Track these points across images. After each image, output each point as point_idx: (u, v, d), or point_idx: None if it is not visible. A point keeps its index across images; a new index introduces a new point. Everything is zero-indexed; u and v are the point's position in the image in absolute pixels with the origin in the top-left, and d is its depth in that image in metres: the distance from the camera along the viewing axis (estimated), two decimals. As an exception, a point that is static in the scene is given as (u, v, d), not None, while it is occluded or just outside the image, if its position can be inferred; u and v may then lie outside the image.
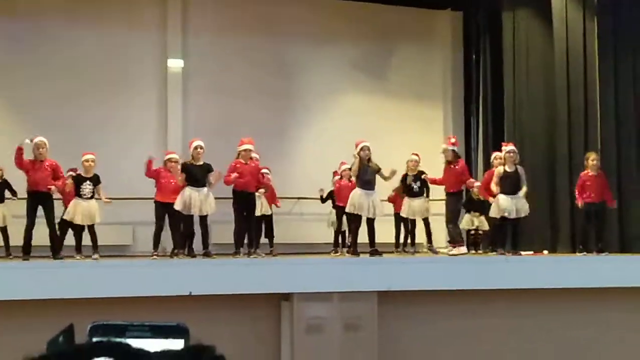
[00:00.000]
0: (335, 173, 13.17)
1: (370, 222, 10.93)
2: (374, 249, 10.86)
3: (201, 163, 10.69)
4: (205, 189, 10.59)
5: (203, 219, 10.75)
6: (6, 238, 11.85)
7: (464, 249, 11.54)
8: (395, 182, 12.43)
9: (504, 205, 11.07)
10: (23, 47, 14.87)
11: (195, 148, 10.74)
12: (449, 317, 9.56)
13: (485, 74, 16.35)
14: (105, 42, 15.37)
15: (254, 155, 11.13)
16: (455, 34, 17.45)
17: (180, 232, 10.88)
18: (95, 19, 15.30)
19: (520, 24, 14.83)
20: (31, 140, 10.30)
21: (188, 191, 10.48)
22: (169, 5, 15.86)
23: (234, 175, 10.59)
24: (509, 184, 11.17)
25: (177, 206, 10.53)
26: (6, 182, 11.78)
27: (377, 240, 11.00)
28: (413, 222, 12.83)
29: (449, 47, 17.42)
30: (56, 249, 10.27)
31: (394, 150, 13.85)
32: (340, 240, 13.15)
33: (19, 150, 10.09)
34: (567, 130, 13.07)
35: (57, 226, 10.54)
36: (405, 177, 12.47)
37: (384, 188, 12.04)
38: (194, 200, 10.43)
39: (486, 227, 13.27)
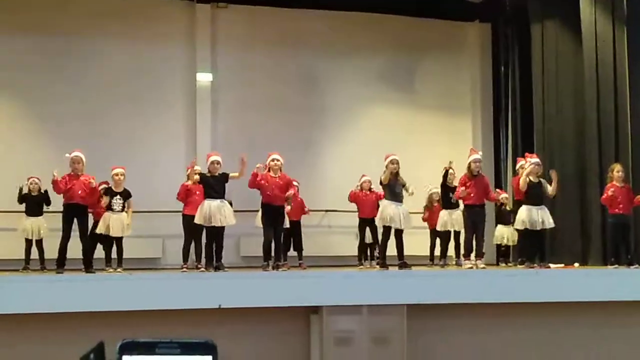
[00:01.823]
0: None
1: (399, 234, 10.92)
2: (403, 262, 10.84)
3: (217, 175, 10.69)
4: (223, 200, 10.58)
5: (221, 230, 10.70)
6: (41, 251, 12.00)
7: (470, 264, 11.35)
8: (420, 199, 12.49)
9: (527, 216, 11.02)
10: (51, 63, 15.06)
11: (212, 163, 10.73)
12: (479, 330, 9.50)
13: (514, 85, 16.28)
14: (134, 56, 15.53)
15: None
16: (484, 45, 17.41)
17: (207, 245, 10.86)
18: (125, 35, 15.46)
19: (549, 35, 14.74)
20: (70, 154, 10.47)
21: (206, 203, 10.49)
22: (197, 20, 15.99)
23: (258, 168, 10.58)
24: (534, 195, 11.11)
25: (198, 220, 10.53)
26: (45, 194, 11.86)
27: (405, 252, 11.00)
28: (448, 234, 12.73)
29: (477, 58, 17.37)
30: (89, 262, 10.37)
31: (422, 162, 13.84)
32: (367, 252, 13.11)
33: (54, 183, 10.29)
34: (597, 140, 12.95)
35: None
36: (446, 187, 12.37)
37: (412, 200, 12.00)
38: (212, 211, 10.42)
39: (516, 239, 13.15)
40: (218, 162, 10.73)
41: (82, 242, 10.37)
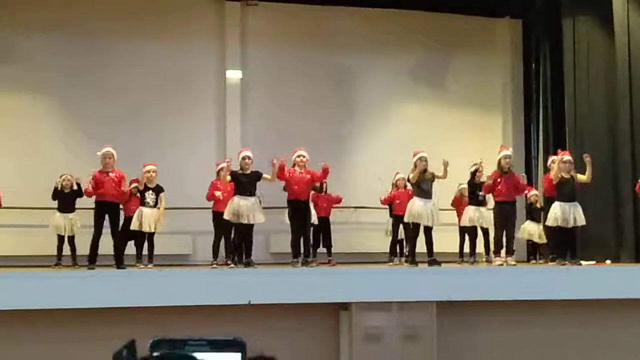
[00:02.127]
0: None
1: (428, 231, 10.88)
2: (433, 259, 10.80)
3: (249, 172, 10.65)
4: (254, 198, 10.54)
5: (250, 228, 10.67)
6: (73, 247, 12.12)
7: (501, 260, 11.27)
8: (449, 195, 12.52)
9: (559, 213, 10.92)
10: (81, 61, 15.16)
11: (243, 158, 10.65)
12: (509, 327, 9.45)
13: (546, 82, 16.17)
14: (164, 54, 15.60)
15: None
16: (515, 41, 17.30)
17: (236, 241, 10.83)
18: (155, 33, 15.55)
19: (580, 31, 14.62)
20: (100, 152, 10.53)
21: (237, 200, 10.45)
22: (227, 17, 16.05)
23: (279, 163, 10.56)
24: (566, 191, 11.01)
25: (227, 215, 10.50)
26: (77, 189, 11.95)
27: (435, 249, 10.94)
28: (476, 230, 12.72)
29: (508, 55, 17.27)
30: (120, 258, 10.44)
31: (452, 159, 13.74)
32: (397, 250, 13.14)
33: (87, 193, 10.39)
34: (629, 137, 12.84)
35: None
36: (474, 183, 12.35)
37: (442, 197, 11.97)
38: (242, 209, 10.39)
39: (543, 236, 13.04)
40: (249, 158, 10.69)
41: (114, 239, 10.44)
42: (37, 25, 14.91)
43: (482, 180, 12.16)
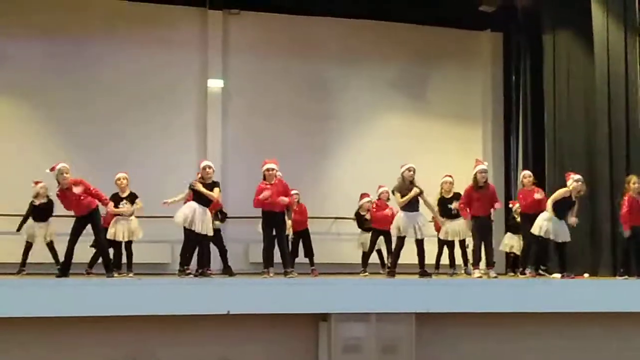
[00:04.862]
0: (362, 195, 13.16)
1: (419, 244, 10.86)
2: (424, 270, 10.83)
3: (210, 182, 10.51)
4: (206, 209, 10.43)
5: (203, 237, 10.52)
6: (53, 252, 12.05)
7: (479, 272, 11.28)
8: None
9: (548, 226, 10.97)
10: (64, 66, 15.14)
11: (204, 168, 10.53)
12: (488, 339, 9.46)
13: (525, 95, 16.27)
14: (146, 62, 15.58)
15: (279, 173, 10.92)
16: (496, 55, 17.40)
17: (184, 248, 10.61)
18: (137, 40, 15.54)
19: (560, 45, 14.73)
20: (51, 169, 10.19)
21: (193, 205, 10.35)
22: (209, 26, 16.05)
23: (264, 194, 10.47)
24: (564, 209, 11.11)
25: (178, 218, 10.35)
26: (51, 202, 11.89)
27: (408, 261, 10.91)
28: (452, 243, 12.81)
29: (489, 68, 17.36)
30: (109, 267, 10.34)
31: (432, 171, 13.79)
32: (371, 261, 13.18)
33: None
34: (608, 151, 12.90)
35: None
36: (441, 199, 12.49)
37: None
38: (195, 216, 10.21)
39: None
40: (209, 167, 10.54)
41: (100, 248, 10.39)
42: (16, 28, 14.85)
43: (449, 196, 12.51)
